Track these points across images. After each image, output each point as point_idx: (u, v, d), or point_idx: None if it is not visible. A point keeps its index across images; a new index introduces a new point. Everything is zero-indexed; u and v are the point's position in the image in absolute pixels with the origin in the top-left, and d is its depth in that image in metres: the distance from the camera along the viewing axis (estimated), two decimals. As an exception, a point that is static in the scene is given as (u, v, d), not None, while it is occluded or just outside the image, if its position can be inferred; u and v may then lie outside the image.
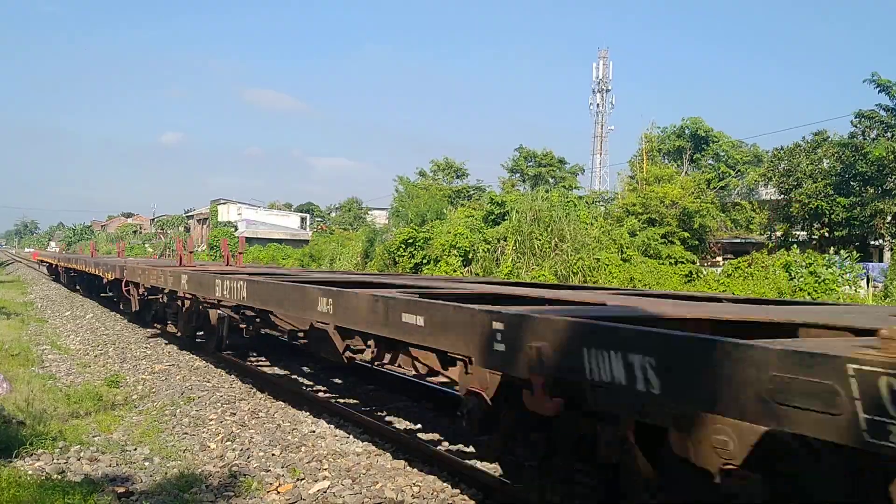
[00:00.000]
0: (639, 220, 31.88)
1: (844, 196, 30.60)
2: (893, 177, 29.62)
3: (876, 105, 31.24)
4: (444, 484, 5.67)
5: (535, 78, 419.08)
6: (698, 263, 31.04)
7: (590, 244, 25.70)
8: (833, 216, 30.79)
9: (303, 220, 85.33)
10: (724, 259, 35.23)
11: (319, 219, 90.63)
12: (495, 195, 35.15)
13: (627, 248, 27.24)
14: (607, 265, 24.45)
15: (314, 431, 7.25)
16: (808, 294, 19.60)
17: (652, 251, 29.09)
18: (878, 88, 30.07)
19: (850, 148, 31.15)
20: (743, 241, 39.17)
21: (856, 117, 32.06)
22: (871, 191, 30.14)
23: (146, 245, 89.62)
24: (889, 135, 30.10)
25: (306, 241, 62.49)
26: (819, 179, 31.61)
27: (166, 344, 13.28)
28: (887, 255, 30.14)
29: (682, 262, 28.95)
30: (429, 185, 50.66)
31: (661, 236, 30.61)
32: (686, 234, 32.52)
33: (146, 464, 6.08)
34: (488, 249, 27.29)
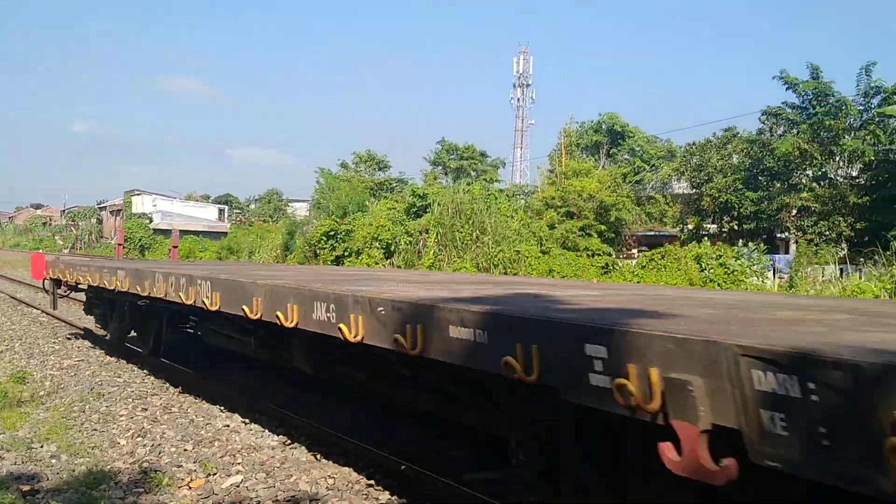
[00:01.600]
0: (558, 214, 32.47)
1: (753, 190, 31.69)
2: (798, 172, 30.80)
3: (782, 103, 32.19)
4: (360, 475, 5.70)
5: (460, 73, 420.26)
6: (614, 255, 31.75)
7: (510, 237, 25.97)
8: (742, 210, 31.87)
9: (221, 211, 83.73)
10: (638, 251, 36.10)
11: (238, 211, 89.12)
12: (417, 188, 35.13)
13: (547, 240, 27.67)
14: (527, 257, 24.79)
15: (228, 426, 7.18)
16: (718, 285, 20.29)
17: (570, 243, 29.66)
18: (786, 86, 31.01)
19: (758, 144, 32.23)
20: (657, 233, 40.26)
21: (763, 114, 33.05)
22: (778, 185, 31.24)
23: (56, 237, 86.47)
24: (795, 131, 31.17)
25: (225, 234, 61.39)
26: (729, 174, 32.71)
27: (76, 339, 12.91)
28: (793, 247, 31.30)
29: (599, 255, 29.57)
30: (351, 178, 50.25)
31: (579, 229, 31.22)
32: (603, 227, 33.23)
33: (53, 461, 5.93)
34: (410, 242, 27.32)
